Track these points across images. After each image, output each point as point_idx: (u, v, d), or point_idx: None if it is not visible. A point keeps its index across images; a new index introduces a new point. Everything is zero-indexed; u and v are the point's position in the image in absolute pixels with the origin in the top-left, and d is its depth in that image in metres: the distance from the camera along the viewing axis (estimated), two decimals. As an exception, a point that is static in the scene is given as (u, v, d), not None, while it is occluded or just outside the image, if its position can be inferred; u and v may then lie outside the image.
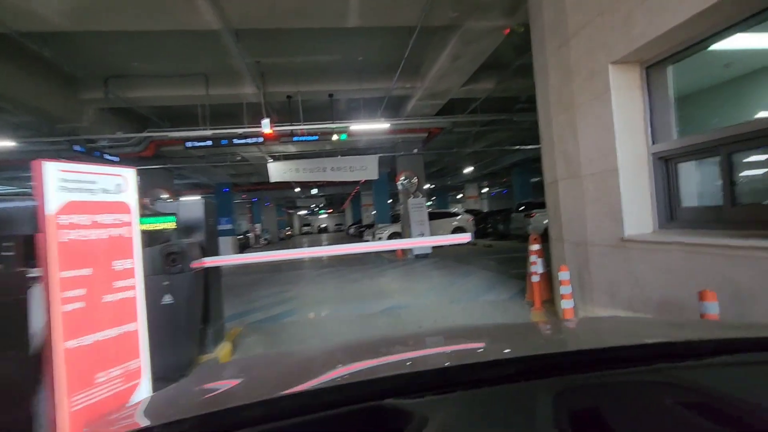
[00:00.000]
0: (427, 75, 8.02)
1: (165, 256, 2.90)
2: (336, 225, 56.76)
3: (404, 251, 12.53)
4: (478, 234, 17.35)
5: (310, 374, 0.90)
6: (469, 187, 28.59)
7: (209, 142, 8.25)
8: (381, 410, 0.60)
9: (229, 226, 18.71)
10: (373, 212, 27.59)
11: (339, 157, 11.83)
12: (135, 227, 1.98)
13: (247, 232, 26.98)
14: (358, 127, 8.85)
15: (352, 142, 12.08)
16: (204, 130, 7.96)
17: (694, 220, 2.76)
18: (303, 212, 54.88)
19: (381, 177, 20.20)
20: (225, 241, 18.44)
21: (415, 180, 12.09)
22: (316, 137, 8.63)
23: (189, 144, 8.24)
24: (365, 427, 0.60)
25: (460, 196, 38.64)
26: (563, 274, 3.34)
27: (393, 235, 15.23)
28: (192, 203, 3.76)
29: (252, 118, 8.53)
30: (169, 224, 3.11)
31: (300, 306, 6.26)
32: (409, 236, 11.98)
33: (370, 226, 22.41)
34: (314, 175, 11.68)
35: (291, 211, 49.58)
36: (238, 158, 11.81)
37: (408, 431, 0.54)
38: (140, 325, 1.95)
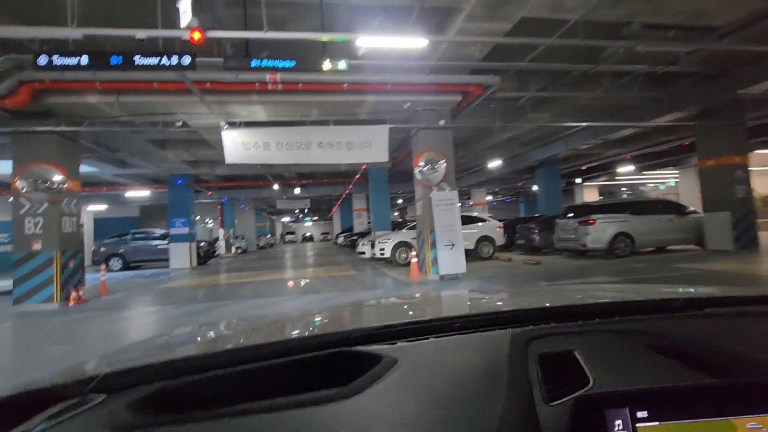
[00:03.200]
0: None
1: None
2: (322, 234, 52.49)
3: (422, 268, 8.63)
4: (504, 246, 13.51)
5: (285, 329, 0.94)
6: (476, 193, 24.91)
7: (84, 59, 4.28)
8: (350, 355, 0.60)
9: (185, 230, 14.55)
10: (368, 218, 23.78)
11: (331, 126, 7.95)
12: None
13: (217, 238, 22.71)
14: (370, 43, 4.97)
15: (349, 107, 8.20)
16: (72, 29, 4.00)
17: None
18: (287, 219, 50.58)
19: (380, 174, 16.36)
20: (178, 249, 14.26)
21: (442, 164, 8.25)
22: (293, 62, 4.74)
23: (44, 60, 4.22)
24: (333, 369, 0.60)
25: (459, 204, 35.00)
26: None
27: (399, 246, 11.33)
28: None
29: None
30: None
31: None
32: (432, 247, 8.10)
33: (365, 234, 18.48)
34: (294, 155, 7.75)
35: (273, 217, 45.27)
36: (178, 123, 7.89)
37: (375, 370, 0.55)
38: None
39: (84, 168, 13.99)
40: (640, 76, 8.33)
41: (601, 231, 10.14)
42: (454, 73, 7.30)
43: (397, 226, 15.72)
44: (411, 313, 1.09)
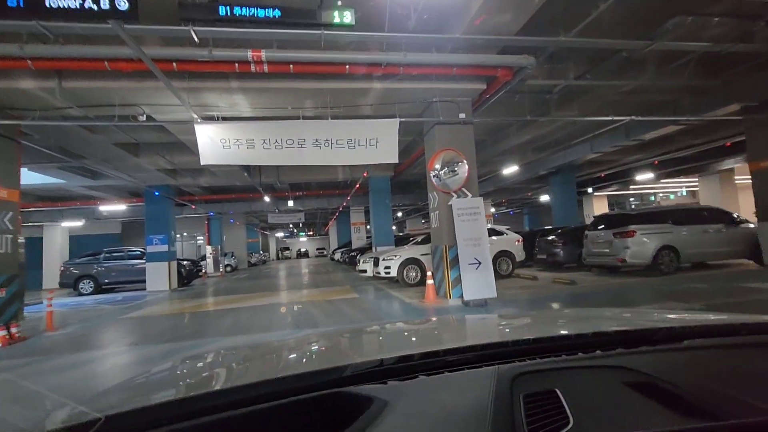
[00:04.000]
0: None
1: None
2: (318, 249, 50.78)
3: (439, 291, 7.16)
4: (521, 262, 12.03)
5: (273, 364, 0.93)
6: (481, 204, 23.54)
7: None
8: (341, 397, 0.60)
9: (163, 247, 12.96)
10: (366, 233, 22.32)
11: (330, 121, 6.55)
12: None
13: (204, 256, 21.07)
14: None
15: (352, 97, 6.84)
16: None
17: None
18: (281, 234, 48.93)
19: (381, 183, 14.96)
20: (156, 269, 12.67)
21: (463, 166, 6.86)
22: (278, 12, 3.31)
23: None
24: (325, 413, 0.59)
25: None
26: None
27: (407, 264, 9.84)
28: None
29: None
30: None
31: None
32: (453, 266, 6.65)
33: (365, 249, 16.97)
34: (284, 155, 6.34)
35: (267, 233, 43.59)
36: (141, 117, 6.42)
37: (366, 416, 0.54)
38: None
39: (50, 180, 12.54)
40: (692, 61, 7.06)
41: (642, 244, 8.75)
42: (481, 53, 5.96)
43: (398, 241, 14.27)
44: (402, 344, 1.07)
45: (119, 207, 15.10)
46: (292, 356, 0.97)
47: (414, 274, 9.77)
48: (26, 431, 0.57)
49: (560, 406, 0.58)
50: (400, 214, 29.08)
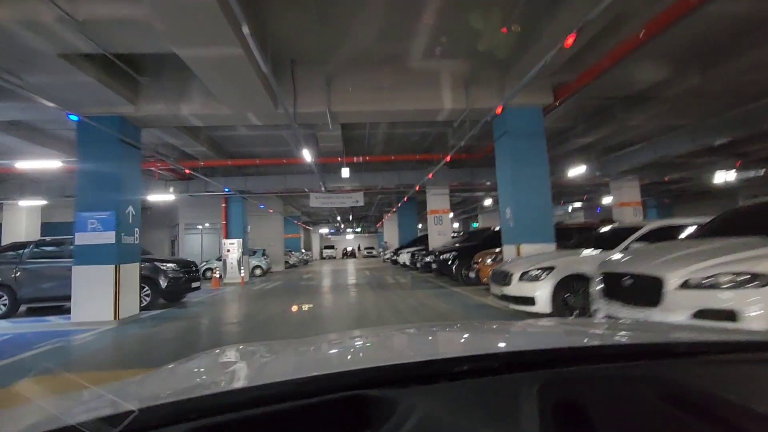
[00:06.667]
0: None
1: None
2: (366, 249, 44.26)
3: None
4: None
5: (296, 364, 0.92)
6: (620, 188, 15.61)
7: None
8: (365, 399, 0.59)
9: (106, 236, 6.57)
10: (457, 224, 15.03)
11: None
12: None
13: (219, 257, 14.88)
14: None
15: None
16: None
17: None
18: (324, 230, 43.00)
19: (527, 118, 7.70)
20: (92, 278, 6.34)
21: None
22: None
23: None
24: (349, 415, 0.59)
25: (569, 206, 25.49)
26: None
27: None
28: None
29: None
30: None
31: None
32: None
33: (462, 249, 9.95)
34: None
35: (309, 228, 37.75)
36: None
37: (393, 420, 0.54)
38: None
39: None
40: None
41: None
42: None
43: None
44: (427, 349, 1.07)
45: (42, 164, 8.88)
46: (318, 356, 0.98)
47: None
48: (60, 419, 0.56)
49: (588, 415, 0.58)
50: (490, 200, 21.51)
